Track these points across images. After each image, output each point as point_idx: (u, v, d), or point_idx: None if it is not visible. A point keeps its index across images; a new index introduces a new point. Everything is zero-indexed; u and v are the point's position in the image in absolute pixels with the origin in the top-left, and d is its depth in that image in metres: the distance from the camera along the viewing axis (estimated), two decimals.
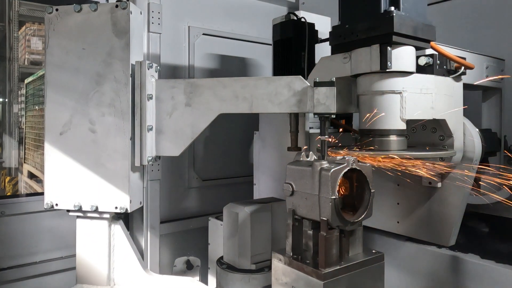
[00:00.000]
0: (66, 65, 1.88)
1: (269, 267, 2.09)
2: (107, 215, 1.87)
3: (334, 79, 1.65)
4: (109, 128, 1.84)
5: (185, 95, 1.87)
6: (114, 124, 1.83)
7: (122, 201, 1.83)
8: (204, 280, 2.69)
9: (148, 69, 1.86)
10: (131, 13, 1.82)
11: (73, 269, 2.82)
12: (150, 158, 1.88)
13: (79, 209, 1.86)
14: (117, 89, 1.83)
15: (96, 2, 1.89)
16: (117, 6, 1.81)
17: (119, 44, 1.82)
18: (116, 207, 1.83)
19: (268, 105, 1.78)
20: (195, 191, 3.37)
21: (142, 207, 2.65)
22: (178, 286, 1.91)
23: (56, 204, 1.88)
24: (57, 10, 1.88)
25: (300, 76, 1.74)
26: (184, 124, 1.88)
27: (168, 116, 1.89)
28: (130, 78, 1.83)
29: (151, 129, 1.88)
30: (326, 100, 1.65)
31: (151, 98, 1.88)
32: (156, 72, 1.95)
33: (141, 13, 1.95)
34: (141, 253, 2.10)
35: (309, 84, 1.70)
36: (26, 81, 8.77)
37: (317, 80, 1.68)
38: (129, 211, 1.84)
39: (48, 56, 1.90)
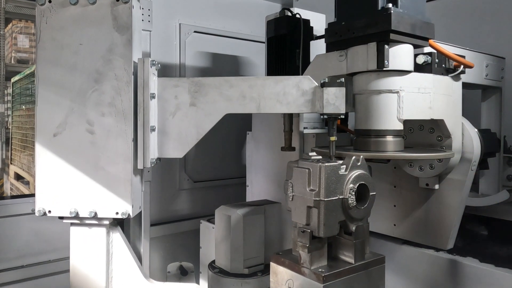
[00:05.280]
0: (60, 61, 1.74)
1: (262, 272, 2.07)
2: (106, 222, 1.77)
3: (343, 80, 1.65)
4: (109, 129, 1.73)
5: (189, 95, 1.80)
6: (115, 125, 1.72)
7: (123, 206, 1.72)
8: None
9: (151, 66, 1.77)
10: (133, 7, 1.72)
11: (61, 272, 2.80)
12: (153, 160, 1.78)
13: (76, 216, 1.73)
14: (118, 88, 1.72)
15: None
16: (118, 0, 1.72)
17: (120, 40, 1.71)
18: (117, 213, 1.73)
19: (277, 105, 1.76)
20: (186, 193, 3.31)
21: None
22: None
23: (49, 211, 1.74)
24: (50, 1, 1.74)
25: (309, 76, 1.73)
26: (189, 124, 1.81)
27: (171, 116, 1.81)
28: (133, 76, 1.73)
29: (154, 129, 1.79)
30: (336, 101, 1.65)
31: (153, 97, 1.79)
32: (156, 70, 1.85)
33: (140, 7, 1.86)
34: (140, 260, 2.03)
35: (317, 84, 1.69)
36: (13, 80, 8.66)
37: (327, 81, 1.67)
38: (131, 216, 1.74)
39: (40, 51, 1.75)
